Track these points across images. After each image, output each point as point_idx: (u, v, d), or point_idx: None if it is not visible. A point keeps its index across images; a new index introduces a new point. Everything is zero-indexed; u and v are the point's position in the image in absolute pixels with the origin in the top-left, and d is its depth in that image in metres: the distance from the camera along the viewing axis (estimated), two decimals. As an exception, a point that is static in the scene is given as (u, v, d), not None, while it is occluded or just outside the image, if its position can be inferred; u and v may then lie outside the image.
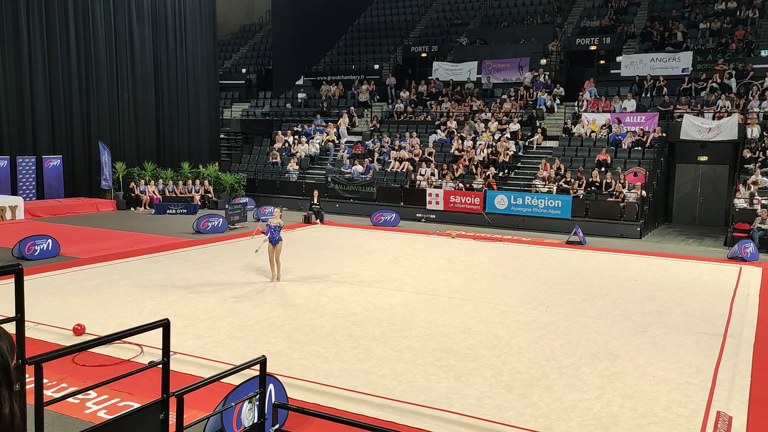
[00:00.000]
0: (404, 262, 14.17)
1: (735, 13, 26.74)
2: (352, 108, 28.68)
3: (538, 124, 24.39)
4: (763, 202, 17.89)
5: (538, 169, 21.35)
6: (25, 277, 3.53)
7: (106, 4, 23.91)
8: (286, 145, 26.70)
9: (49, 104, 22.32)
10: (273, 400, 5.52)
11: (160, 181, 23.43)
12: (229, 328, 8.96)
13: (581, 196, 19.73)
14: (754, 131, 20.68)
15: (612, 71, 26.55)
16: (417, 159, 23.67)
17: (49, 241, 13.75)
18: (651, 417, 6.35)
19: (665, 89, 24.10)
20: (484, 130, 24.34)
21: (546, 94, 25.92)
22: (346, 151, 25.33)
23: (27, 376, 3.31)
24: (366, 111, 28.85)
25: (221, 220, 18.06)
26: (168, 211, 21.43)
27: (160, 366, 4.14)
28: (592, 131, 23.07)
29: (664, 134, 21.75)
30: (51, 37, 22.19)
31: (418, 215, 21.51)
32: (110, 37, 24.14)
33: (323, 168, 25.34)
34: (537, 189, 20.51)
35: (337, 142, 26.78)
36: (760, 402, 6.81)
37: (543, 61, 27.60)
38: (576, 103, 25.19)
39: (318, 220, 20.08)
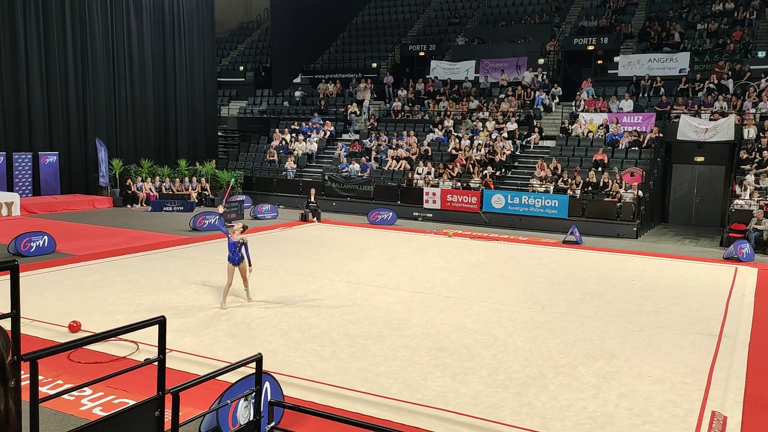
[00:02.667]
0: (401, 260, 14.17)
1: (732, 14, 26.78)
2: (360, 102, 28.80)
3: (535, 124, 24.41)
4: (759, 201, 17.92)
5: (535, 169, 21.37)
6: (21, 274, 3.52)
7: (104, 1, 23.85)
8: (284, 143, 26.69)
9: (46, 100, 22.25)
10: (269, 398, 5.52)
11: (157, 178, 23.39)
12: (226, 326, 8.95)
13: (578, 196, 19.76)
14: (750, 132, 20.73)
15: (609, 71, 26.57)
16: (414, 158, 23.67)
17: (45, 237, 13.72)
18: (646, 416, 6.37)
19: (662, 90, 24.12)
20: (481, 129, 24.35)
21: (543, 93, 25.94)
22: (343, 149, 25.33)
23: (22, 372, 3.31)
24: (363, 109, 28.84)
25: (218, 217, 18.03)
26: (165, 209, 21.40)
27: (156, 363, 4.14)
28: (590, 131, 23.08)
29: (661, 134, 21.79)
30: (48, 33, 22.11)
31: (415, 214, 21.51)
32: (107, 33, 24.07)
33: (320, 166, 25.33)
34: (534, 188, 20.53)
35: (359, 113, 27.70)
36: (754, 402, 6.84)
37: (541, 61, 27.62)
38: (573, 103, 25.22)
39: (315, 219, 20.07)
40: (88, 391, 6.43)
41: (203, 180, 23.84)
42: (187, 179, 23.75)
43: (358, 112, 27.83)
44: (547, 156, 22.25)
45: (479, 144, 23.31)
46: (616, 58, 26.37)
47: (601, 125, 23.03)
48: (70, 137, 23.08)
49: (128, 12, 24.89)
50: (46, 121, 22.32)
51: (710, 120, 21.37)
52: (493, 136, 23.67)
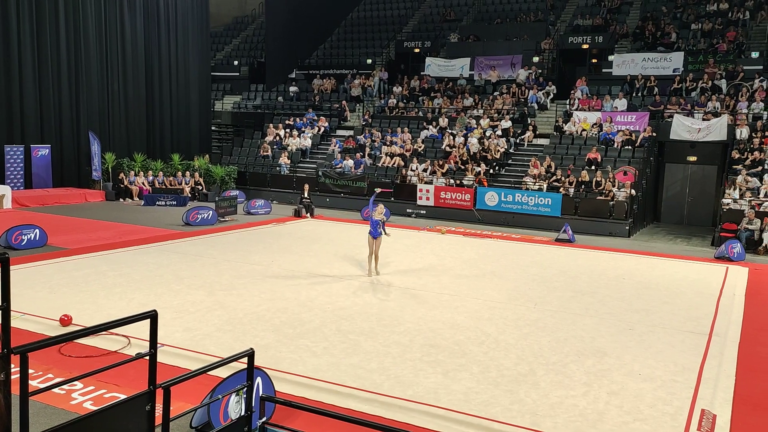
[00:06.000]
0: (394, 257, 14.17)
1: (726, 14, 26.89)
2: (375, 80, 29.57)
3: (529, 122, 24.44)
4: (751, 201, 18.01)
5: (529, 167, 21.41)
6: (12, 267, 3.51)
7: (97, -7, 23.72)
8: (278, 138, 26.63)
9: (38, 93, 22.10)
10: (260, 393, 5.51)
11: (150, 172, 23.28)
12: (218, 321, 8.93)
13: (571, 194, 19.81)
14: (742, 132, 20.82)
15: (604, 70, 26.62)
16: (408, 154, 23.67)
17: (37, 230, 13.65)
18: (636, 414, 6.40)
19: (656, 89, 24.21)
20: (475, 126, 24.36)
21: (538, 91, 25.97)
22: (337, 145, 25.30)
23: (12, 365, 3.29)
24: (358, 105, 28.82)
25: (211, 212, 17.99)
26: (157, 203, 21.32)
27: (147, 357, 4.12)
28: (583, 129, 23.14)
29: (654, 134, 21.87)
30: (41, 26, 21.95)
31: (408, 211, 21.52)
32: (101, 26, 23.93)
33: (314, 162, 25.30)
34: (527, 186, 20.57)
35: (374, 90, 28.73)
36: (744, 400, 6.88)
37: (535, 59, 27.65)
38: (567, 102, 25.26)
39: (308, 214, 20.04)
40: (78, 385, 6.41)
41: (197, 174, 23.76)
42: (180, 173, 23.66)
43: (372, 88, 28.60)
44: (541, 154, 22.30)
45: (473, 141, 23.32)
46: (610, 57, 26.44)
47: (595, 124, 23.08)
48: (62, 130, 22.93)
49: (122, 4, 24.73)
50: (38, 113, 22.16)
51: (703, 120, 21.46)
52: (487, 134, 23.69)
